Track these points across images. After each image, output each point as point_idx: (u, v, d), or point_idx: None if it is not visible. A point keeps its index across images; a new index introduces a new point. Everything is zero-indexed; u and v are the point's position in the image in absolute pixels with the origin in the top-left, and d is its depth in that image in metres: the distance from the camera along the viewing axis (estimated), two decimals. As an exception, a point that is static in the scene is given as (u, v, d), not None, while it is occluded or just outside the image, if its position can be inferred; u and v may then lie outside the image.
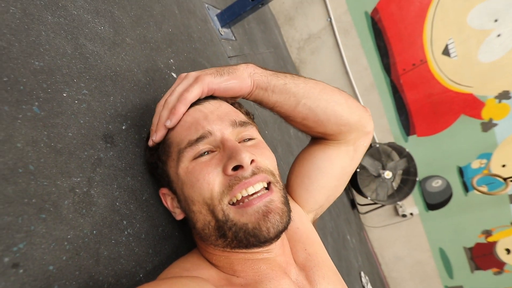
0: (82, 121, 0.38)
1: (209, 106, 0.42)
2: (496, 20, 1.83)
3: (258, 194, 0.37)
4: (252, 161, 0.37)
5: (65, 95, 0.38)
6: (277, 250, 0.41)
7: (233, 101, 0.47)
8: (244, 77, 0.44)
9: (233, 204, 0.36)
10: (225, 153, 0.37)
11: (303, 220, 0.52)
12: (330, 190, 0.55)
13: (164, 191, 0.43)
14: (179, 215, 0.42)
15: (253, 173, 0.37)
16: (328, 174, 0.54)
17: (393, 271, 2.53)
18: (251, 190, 0.36)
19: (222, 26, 1.05)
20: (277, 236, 0.36)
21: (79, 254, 0.31)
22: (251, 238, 0.35)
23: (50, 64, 0.37)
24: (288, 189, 0.57)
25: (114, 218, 0.37)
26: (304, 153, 0.58)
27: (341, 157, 0.54)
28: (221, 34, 1.04)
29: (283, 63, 1.88)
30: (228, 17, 1.04)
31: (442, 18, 1.94)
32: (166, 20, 0.70)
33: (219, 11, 1.08)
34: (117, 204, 0.38)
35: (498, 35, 1.84)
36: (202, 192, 0.36)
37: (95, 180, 0.36)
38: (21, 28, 0.35)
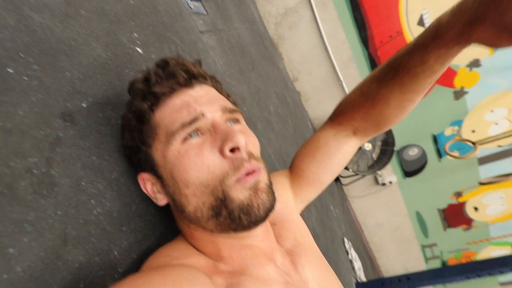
0: (34, 99, 0.35)
1: (199, 90, 0.41)
2: (467, -12, 1.85)
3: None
4: (246, 144, 0.38)
5: (11, 70, 0.34)
6: (262, 236, 0.42)
7: None
8: None
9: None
10: (217, 135, 0.37)
11: (295, 213, 0.54)
12: (333, 176, 0.58)
13: (144, 176, 0.41)
14: (161, 200, 0.41)
15: (249, 157, 0.38)
16: (341, 162, 0.55)
17: (374, 237, 2.70)
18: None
19: (191, -1, 0.99)
20: (266, 214, 0.37)
21: (42, 235, 0.30)
22: (243, 216, 0.36)
23: (-12, 37, 0.34)
24: (297, 166, 0.57)
25: (81, 197, 0.35)
26: (323, 138, 0.54)
27: (352, 151, 0.55)
28: (191, 8, 0.98)
29: (260, 39, 1.82)
30: (197, -11, 0.98)
31: (416, -12, 1.93)
32: (125, -10, 0.64)
33: (186, -18, 1.01)
34: (83, 183, 0.36)
35: (470, 3, 1.87)
36: (200, 175, 0.36)
37: (55, 160, 0.34)
38: None
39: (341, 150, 0.53)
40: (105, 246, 0.36)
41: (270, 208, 0.38)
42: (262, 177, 0.39)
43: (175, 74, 0.39)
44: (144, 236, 0.42)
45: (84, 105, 0.42)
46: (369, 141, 2.10)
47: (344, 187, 2.59)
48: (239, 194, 0.36)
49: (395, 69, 0.41)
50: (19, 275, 0.27)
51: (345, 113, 0.51)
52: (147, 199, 0.45)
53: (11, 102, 0.33)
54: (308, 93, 2.42)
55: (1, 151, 0.30)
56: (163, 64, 0.41)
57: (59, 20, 0.45)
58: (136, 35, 0.62)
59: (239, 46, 1.33)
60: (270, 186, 0.40)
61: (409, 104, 0.44)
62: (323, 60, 2.27)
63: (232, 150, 0.36)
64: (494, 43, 0.30)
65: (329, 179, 0.56)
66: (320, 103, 2.43)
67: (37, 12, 0.42)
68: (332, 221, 1.60)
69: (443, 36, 0.34)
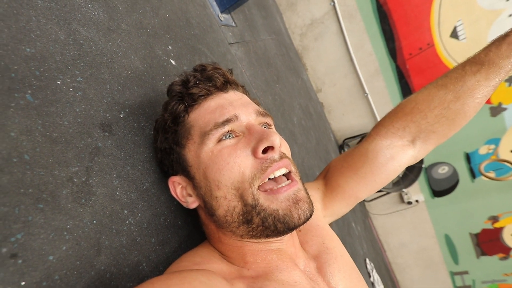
0: (78, 110, 0.37)
1: (233, 95, 0.42)
2: (508, -1, 1.75)
3: (283, 184, 0.37)
4: (280, 144, 0.38)
5: (59, 82, 0.36)
6: (288, 241, 0.41)
7: None
8: None
9: (260, 188, 0.37)
10: (252, 136, 0.37)
11: (321, 219, 0.52)
12: (371, 193, 0.55)
13: (174, 179, 0.42)
14: (192, 203, 0.41)
15: (281, 157, 0.38)
16: (384, 180, 0.52)
17: (398, 258, 2.54)
18: (277, 173, 0.37)
19: (221, 12, 1.02)
20: (304, 222, 0.36)
21: (79, 244, 0.31)
22: (279, 225, 0.35)
23: (42, 51, 0.36)
24: (333, 179, 0.55)
25: (115, 207, 0.36)
26: (372, 151, 0.51)
27: (401, 166, 0.51)
28: (221, 20, 1.01)
29: (285, 50, 1.83)
30: (228, 2, 1.01)
31: (450, -1, 1.86)
32: (163, 5, 0.67)
33: (218, -4, 1.05)
34: (117, 193, 0.37)
35: (510, 15, 1.77)
36: (232, 175, 0.36)
37: (93, 169, 0.36)
38: (10, 13, 0.34)
39: (389, 167, 0.50)
40: (135, 258, 0.36)
41: (309, 217, 0.37)
42: (300, 185, 0.38)
43: (212, 78, 0.41)
44: (171, 248, 0.42)
45: (121, 115, 0.43)
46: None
47: (366, 203, 2.49)
48: (270, 203, 0.35)
49: (480, 63, 0.44)
50: (56, 283, 0.27)
51: (414, 113, 0.48)
52: (175, 211, 0.46)
53: (58, 112, 0.35)
54: (331, 104, 2.39)
55: (48, 159, 0.31)
56: (201, 69, 0.43)
57: (103, 34, 0.47)
58: (170, 47, 0.64)
59: (265, 57, 1.35)
60: (307, 193, 0.39)
61: (485, 99, 0.46)
62: (348, 72, 2.23)
63: (265, 151, 0.36)
64: None
65: (366, 195, 0.54)
66: (344, 115, 2.38)
67: (84, 26, 0.44)
68: (353, 239, 1.53)
69: None
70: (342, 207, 0.55)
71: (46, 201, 0.29)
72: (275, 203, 0.35)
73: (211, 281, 0.30)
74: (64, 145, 0.34)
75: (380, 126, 0.51)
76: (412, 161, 0.51)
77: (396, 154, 0.49)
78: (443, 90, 0.46)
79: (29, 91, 0.32)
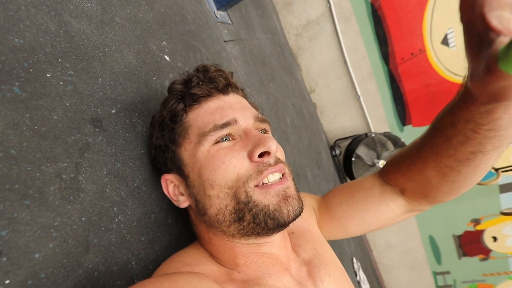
0: (68, 104, 0.36)
1: (233, 98, 0.43)
2: (497, 9, 1.80)
3: (275, 180, 0.38)
4: (276, 150, 0.38)
5: (48, 75, 0.35)
6: (279, 243, 0.41)
7: None
8: None
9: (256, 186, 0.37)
10: (249, 140, 0.38)
11: (314, 225, 0.53)
12: (362, 229, 0.54)
13: (167, 177, 0.42)
14: (183, 202, 0.41)
15: (276, 162, 0.39)
16: (377, 217, 0.51)
17: (384, 258, 2.60)
18: (271, 178, 0.38)
19: (218, 9, 1.01)
20: (293, 220, 0.37)
21: (67, 241, 0.30)
22: (269, 221, 0.36)
23: (31, 42, 0.35)
24: (329, 197, 0.57)
25: (104, 204, 0.36)
26: (369, 183, 0.52)
27: (396, 210, 0.50)
28: (217, 17, 1.00)
29: (280, 50, 1.83)
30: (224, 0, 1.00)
31: (442, 7, 1.90)
32: (158, -1, 0.66)
33: (214, -8, 1.04)
34: (107, 190, 0.37)
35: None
36: (226, 175, 0.36)
37: (83, 165, 0.35)
38: (-2, 1, 0.33)
39: (382, 203, 0.50)
40: (124, 256, 0.36)
41: (299, 215, 0.38)
42: (290, 183, 0.39)
43: (215, 80, 0.41)
44: (161, 247, 0.42)
45: (113, 111, 0.43)
46: (384, 159, 2.05)
47: (355, 204, 2.52)
48: (263, 198, 0.36)
49: (433, 131, 0.41)
50: (42, 282, 0.27)
51: (390, 166, 0.50)
52: (166, 209, 0.45)
53: (47, 106, 0.34)
54: (324, 105, 2.41)
55: (35, 155, 0.30)
56: (204, 69, 0.43)
57: (95, 26, 0.46)
58: (165, 43, 0.63)
59: (260, 56, 1.34)
60: (297, 191, 0.40)
61: (449, 172, 0.40)
62: (342, 73, 2.25)
63: (261, 155, 0.37)
64: (488, 97, 0.28)
65: (355, 228, 0.53)
66: (336, 116, 2.40)
67: (76, 18, 0.43)
68: (341, 239, 1.56)
69: (462, 96, 0.33)
70: (329, 227, 0.55)
71: (33, 197, 0.28)
72: (268, 198, 0.36)
73: (203, 284, 0.30)
74: (53, 140, 0.33)
75: (386, 164, 0.52)
76: (404, 209, 0.50)
77: (386, 195, 0.50)
78: (407, 151, 0.46)
79: (17, 83, 0.31)
